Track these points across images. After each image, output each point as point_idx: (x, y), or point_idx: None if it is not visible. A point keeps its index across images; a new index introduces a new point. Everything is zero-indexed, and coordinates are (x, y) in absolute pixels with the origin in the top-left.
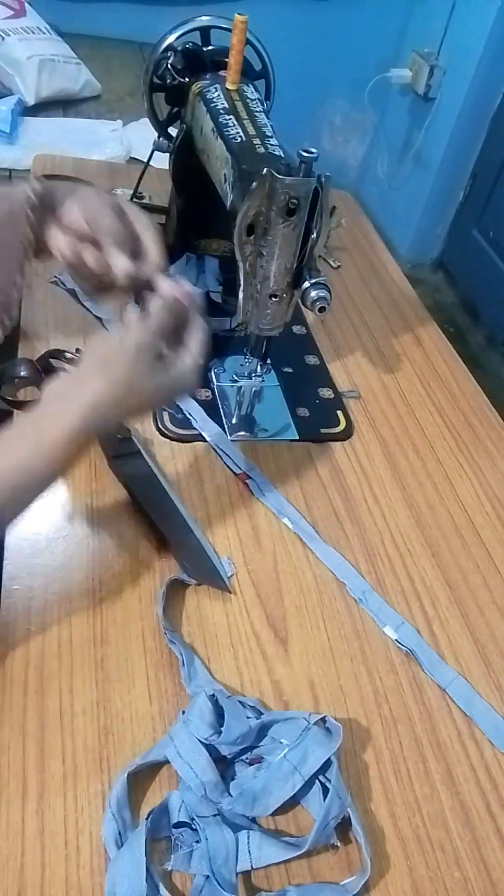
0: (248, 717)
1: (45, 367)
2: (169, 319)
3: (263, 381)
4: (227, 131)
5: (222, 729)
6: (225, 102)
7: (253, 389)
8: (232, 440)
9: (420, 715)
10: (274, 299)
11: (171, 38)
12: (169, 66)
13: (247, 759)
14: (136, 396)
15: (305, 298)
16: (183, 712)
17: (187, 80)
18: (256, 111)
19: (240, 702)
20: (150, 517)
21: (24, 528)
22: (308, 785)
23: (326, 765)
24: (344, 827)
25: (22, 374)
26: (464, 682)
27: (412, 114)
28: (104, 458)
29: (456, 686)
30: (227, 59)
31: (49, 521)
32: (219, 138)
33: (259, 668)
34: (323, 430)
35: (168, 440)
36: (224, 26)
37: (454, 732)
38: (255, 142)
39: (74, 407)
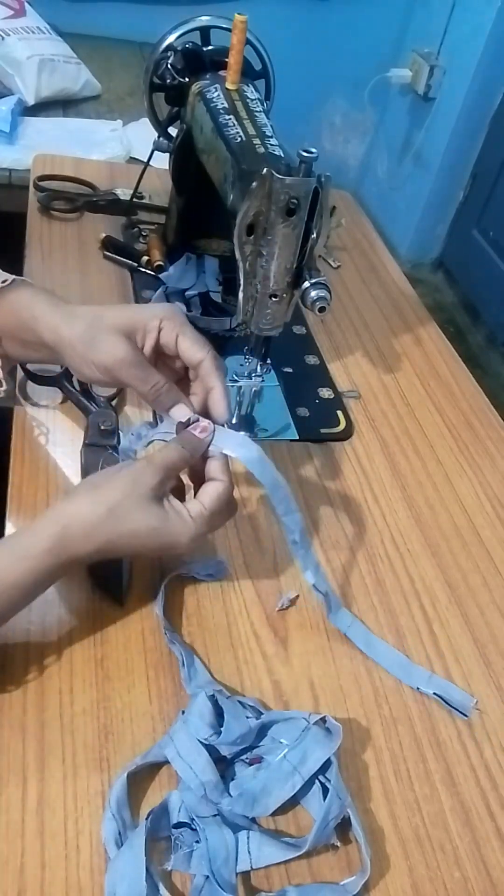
0: (247, 717)
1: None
2: (180, 460)
3: (263, 381)
4: (227, 131)
5: (222, 729)
6: (225, 102)
7: (253, 389)
8: None
9: (420, 715)
10: (274, 299)
11: (171, 38)
12: (169, 66)
13: (247, 759)
14: (118, 526)
15: (305, 298)
16: (183, 712)
17: (187, 80)
18: (256, 111)
19: (239, 702)
20: None
21: None
22: (308, 785)
23: (326, 765)
24: (344, 827)
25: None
26: (360, 625)
27: (412, 114)
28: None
29: (354, 629)
30: (227, 59)
31: None
32: (219, 138)
33: (259, 668)
34: (323, 430)
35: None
36: (224, 26)
37: (454, 732)
38: (255, 142)
39: (52, 520)
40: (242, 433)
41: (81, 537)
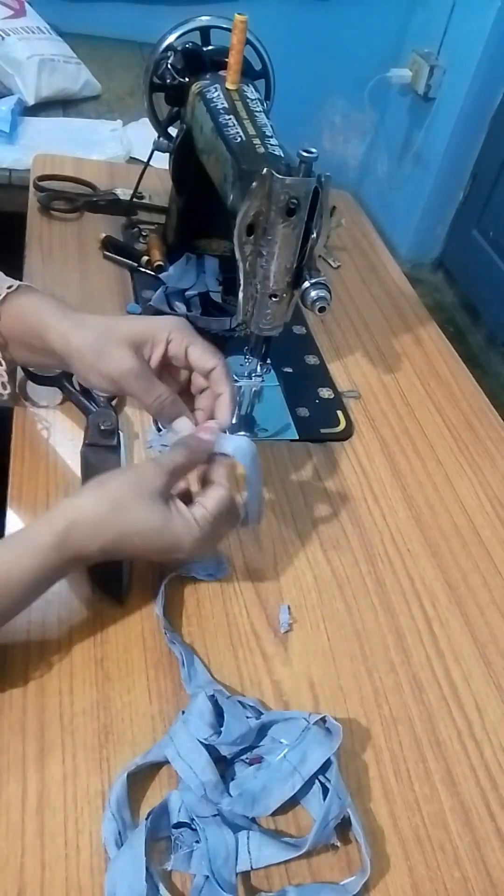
0: (247, 717)
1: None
2: (187, 462)
3: (263, 381)
4: (227, 131)
5: (222, 729)
6: (225, 102)
7: (253, 389)
8: None
9: (420, 715)
10: (274, 299)
11: (171, 38)
12: (169, 66)
13: (247, 759)
14: (123, 522)
15: (305, 298)
16: (183, 712)
17: (187, 80)
18: (256, 111)
19: (240, 702)
20: None
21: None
22: (308, 785)
23: (326, 765)
24: (344, 827)
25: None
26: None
27: (412, 114)
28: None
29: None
30: (227, 59)
31: None
32: (219, 138)
33: (259, 668)
34: (323, 430)
35: None
36: (224, 26)
37: (454, 732)
38: (255, 142)
39: (58, 515)
40: (243, 435)
41: (87, 532)
